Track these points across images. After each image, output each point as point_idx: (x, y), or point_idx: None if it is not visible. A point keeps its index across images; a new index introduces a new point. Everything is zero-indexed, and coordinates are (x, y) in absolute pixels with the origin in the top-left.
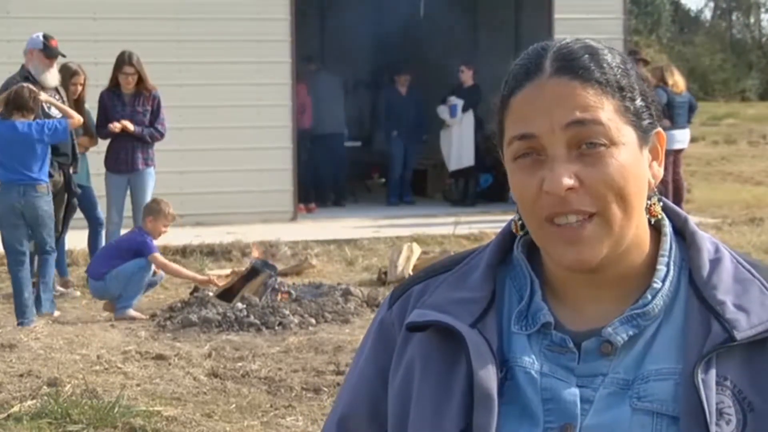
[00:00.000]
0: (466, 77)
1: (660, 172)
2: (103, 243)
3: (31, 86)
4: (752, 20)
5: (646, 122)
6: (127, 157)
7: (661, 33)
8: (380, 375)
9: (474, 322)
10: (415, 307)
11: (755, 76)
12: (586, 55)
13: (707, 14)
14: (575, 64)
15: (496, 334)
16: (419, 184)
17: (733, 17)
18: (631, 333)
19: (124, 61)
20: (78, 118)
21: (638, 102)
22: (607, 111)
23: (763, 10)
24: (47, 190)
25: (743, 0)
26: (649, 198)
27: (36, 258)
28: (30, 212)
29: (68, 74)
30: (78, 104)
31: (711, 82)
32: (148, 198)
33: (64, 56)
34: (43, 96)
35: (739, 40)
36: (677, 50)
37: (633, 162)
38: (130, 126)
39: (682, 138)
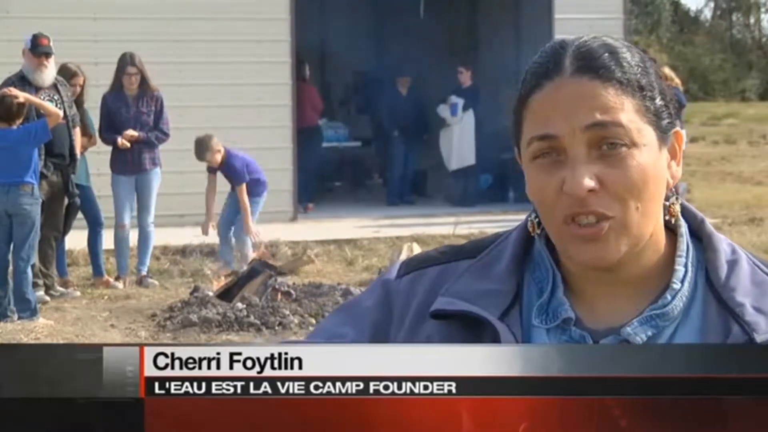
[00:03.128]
0: (465, 78)
1: (678, 172)
2: (104, 244)
3: (8, 91)
4: (752, 20)
5: (665, 122)
6: (134, 159)
7: (661, 33)
8: (373, 327)
9: (501, 316)
10: (430, 291)
11: (755, 76)
12: (606, 54)
13: (707, 14)
14: (596, 63)
15: (520, 328)
16: (419, 184)
17: (733, 17)
18: (650, 333)
19: (126, 62)
20: (56, 114)
21: (658, 101)
22: (627, 112)
23: (763, 10)
24: (32, 191)
25: (743, 0)
26: (667, 198)
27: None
28: (12, 210)
29: (67, 75)
30: (77, 105)
31: (711, 82)
32: (154, 198)
33: (52, 53)
34: (22, 96)
35: (739, 40)
36: (677, 50)
37: (653, 163)
38: (136, 134)
39: None
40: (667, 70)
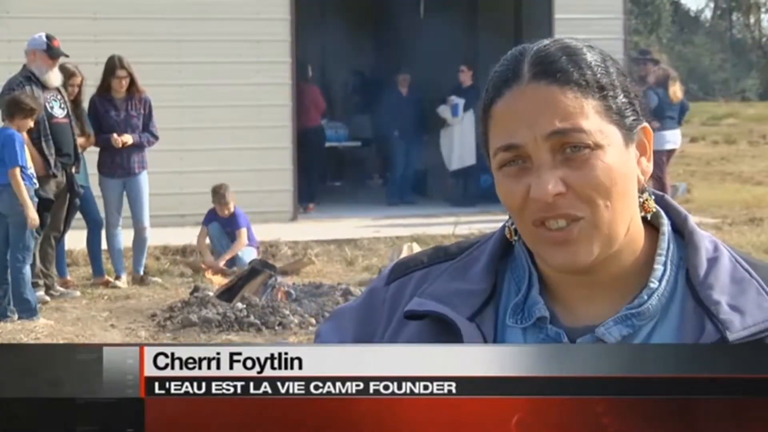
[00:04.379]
0: (465, 78)
1: (649, 167)
2: (104, 244)
3: (29, 94)
4: (752, 20)
5: (630, 119)
6: (122, 162)
7: (661, 33)
8: (355, 341)
9: (472, 315)
10: (413, 294)
11: (755, 76)
12: (564, 57)
13: (707, 14)
14: (553, 68)
15: (493, 328)
16: (419, 184)
17: (733, 17)
18: (625, 333)
19: (115, 65)
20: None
21: (620, 99)
22: (588, 114)
23: (763, 10)
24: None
25: (743, 0)
26: (641, 194)
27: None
28: (6, 211)
29: (66, 75)
30: (75, 105)
31: (711, 82)
32: (147, 201)
33: (67, 56)
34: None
35: (739, 40)
36: (677, 50)
37: (619, 162)
38: (130, 140)
39: (671, 139)
40: (675, 88)
